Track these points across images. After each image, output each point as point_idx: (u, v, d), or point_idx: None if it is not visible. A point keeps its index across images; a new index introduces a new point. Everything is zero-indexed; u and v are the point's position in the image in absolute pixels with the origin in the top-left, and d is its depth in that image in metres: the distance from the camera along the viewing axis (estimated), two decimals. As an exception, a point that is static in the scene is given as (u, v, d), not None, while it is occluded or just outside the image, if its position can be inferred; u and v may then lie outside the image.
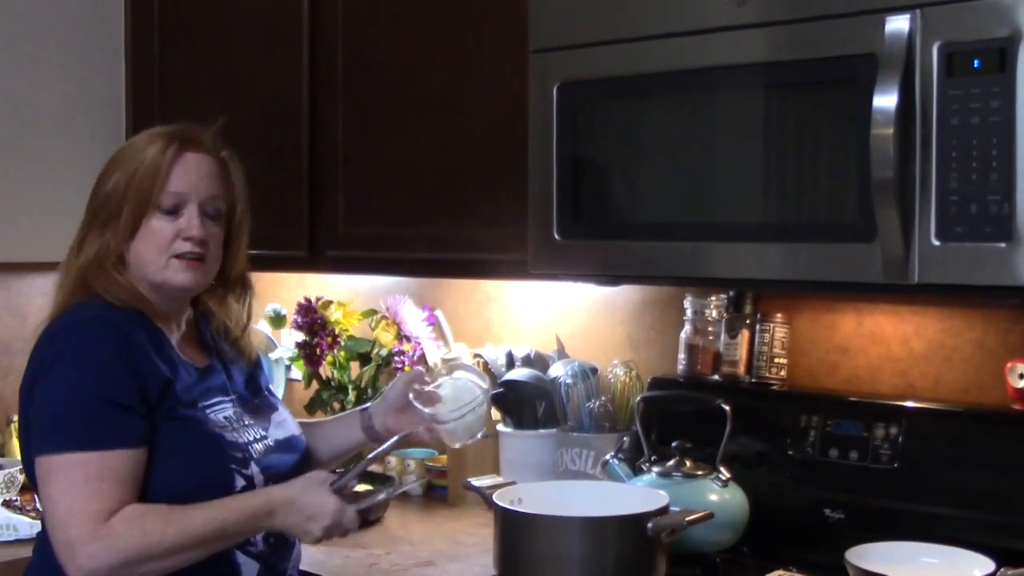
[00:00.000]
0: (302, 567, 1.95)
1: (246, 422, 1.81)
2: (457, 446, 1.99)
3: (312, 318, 2.70)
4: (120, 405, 1.66)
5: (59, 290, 1.79)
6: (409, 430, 1.89)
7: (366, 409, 2.00)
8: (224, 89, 2.76)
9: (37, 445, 1.67)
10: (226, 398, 1.82)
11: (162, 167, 1.76)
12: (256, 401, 1.89)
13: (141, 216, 1.76)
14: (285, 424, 1.90)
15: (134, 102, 2.99)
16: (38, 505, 2.44)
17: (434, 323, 2.72)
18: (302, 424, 2.00)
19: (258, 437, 1.81)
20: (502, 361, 2.55)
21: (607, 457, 2.20)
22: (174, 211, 1.76)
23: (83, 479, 1.62)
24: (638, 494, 1.99)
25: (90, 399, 1.66)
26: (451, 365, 2.08)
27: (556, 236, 2.03)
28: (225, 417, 1.78)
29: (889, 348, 2.17)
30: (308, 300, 2.74)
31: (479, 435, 1.92)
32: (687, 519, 1.86)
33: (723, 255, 1.86)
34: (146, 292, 1.78)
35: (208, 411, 1.77)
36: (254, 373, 1.95)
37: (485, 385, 1.92)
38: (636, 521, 1.84)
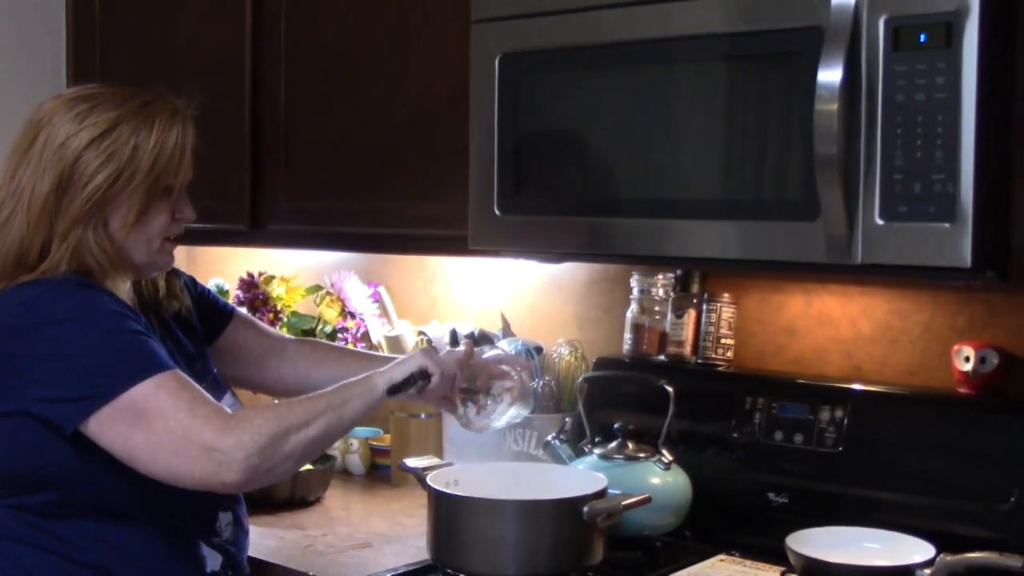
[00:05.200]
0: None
1: None
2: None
3: (254, 294, 2.64)
4: (147, 335, 1.60)
5: (54, 261, 1.61)
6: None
7: None
8: (165, 57, 2.68)
9: (85, 405, 1.52)
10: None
11: (186, 152, 1.68)
12: (207, 382, 1.79)
13: (154, 199, 1.66)
14: (235, 408, 1.80)
15: (74, 68, 2.91)
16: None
17: (378, 300, 2.67)
18: (324, 346, 2.04)
19: None
20: (446, 339, 2.50)
21: (549, 438, 2.16)
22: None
23: (171, 396, 1.53)
24: (577, 477, 1.95)
25: (123, 335, 1.57)
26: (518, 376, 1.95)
27: (496, 211, 1.98)
28: None
29: (837, 330, 2.14)
30: (250, 275, 2.69)
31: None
32: (623, 503, 1.82)
33: (665, 232, 1.81)
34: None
35: None
36: (202, 351, 1.86)
37: (528, 410, 1.92)
38: (571, 505, 1.80)
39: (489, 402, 1.87)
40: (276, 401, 1.69)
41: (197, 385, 1.60)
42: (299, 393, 2.02)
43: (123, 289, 1.69)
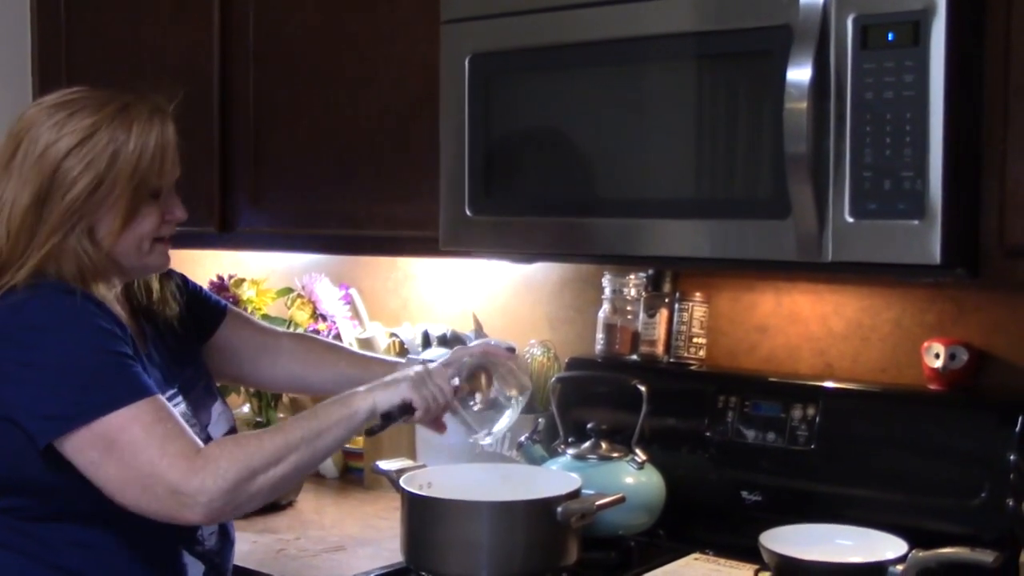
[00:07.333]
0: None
1: (192, 420, 1.70)
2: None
3: (224, 297, 2.62)
4: (132, 357, 1.57)
5: (22, 262, 1.58)
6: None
7: (424, 363, 1.86)
8: (132, 59, 2.66)
9: (61, 423, 1.50)
10: (173, 389, 1.70)
11: (168, 152, 1.64)
12: (198, 388, 1.78)
13: (141, 203, 1.62)
14: (224, 416, 1.81)
15: (40, 71, 2.88)
16: None
17: (350, 302, 2.66)
18: (320, 345, 2.00)
19: (203, 438, 1.69)
20: (418, 341, 2.49)
21: (522, 439, 2.16)
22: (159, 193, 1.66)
23: (144, 430, 1.50)
24: (550, 477, 1.95)
25: (106, 355, 1.54)
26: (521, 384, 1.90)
27: (468, 212, 1.97)
28: (180, 414, 1.64)
29: (808, 327, 2.15)
30: (221, 278, 2.67)
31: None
32: (597, 503, 1.82)
33: (637, 232, 1.81)
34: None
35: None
36: (194, 356, 1.83)
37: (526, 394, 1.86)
38: (545, 505, 1.80)
39: (490, 411, 1.83)
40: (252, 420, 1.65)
41: (174, 413, 1.57)
42: (292, 391, 2.07)
43: (111, 296, 1.65)
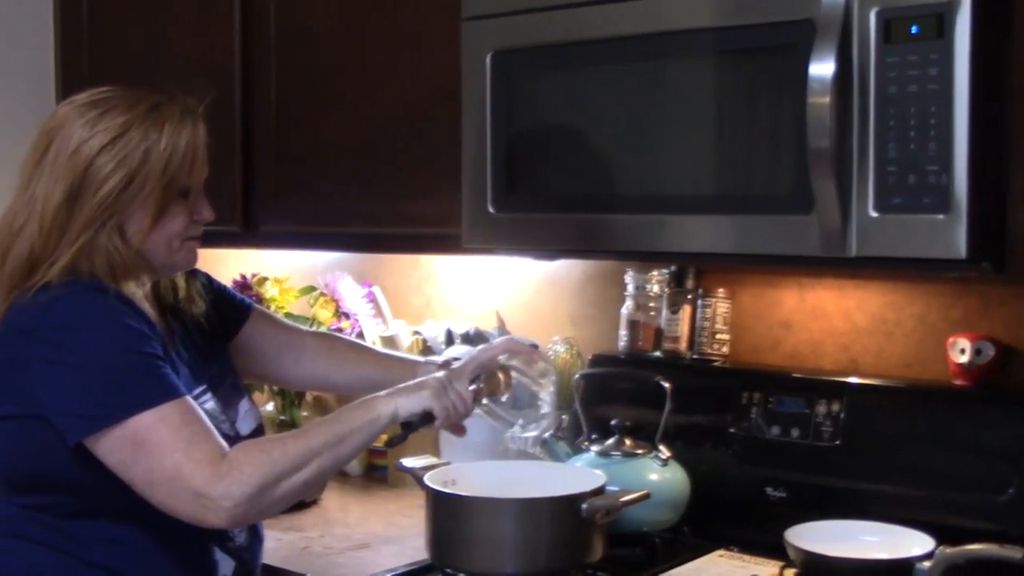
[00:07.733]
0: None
1: (221, 417, 1.72)
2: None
3: (247, 295, 2.63)
4: (162, 358, 1.58)
5: (54, 259, 1.60)
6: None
7: (447, 362, 1.88)
8: (155, 59, 2.67)
9: (89, 422, 1.52)
10: (202, 386, 1.71)
11: (198, 152, 1.66)
12: (226, 385, 1.79)
13: (170, 202, 1.64)
14: (251, 413, 1.81)
15: (64, 70, 2.90)
16: None
17: (373, 300, 2.67)
18: (343, 344, 2.00)
19: (232, 434, 1.71)
20: (442, 338, 2.49)
21: (546, 436, 2.15)
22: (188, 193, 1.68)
23: (171, 433, 1.52)
24: (575, 474, 1.95)
25: (136, 355, 1.55)
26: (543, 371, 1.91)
27: (491, 209, 1.97)
28: (209, 410, 1.66)
29: (832, 323, 2.14)
30: (244, 277, 2.68)
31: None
32: (622, 500, 1.82)
33: (660, 228, 1.81)
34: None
35: (199, 404, 1.65)
36: (221, 354, 1.84)
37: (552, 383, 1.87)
38: (570, 502, 1.79)
39: (518, 408, 1.84)
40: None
41: (202, 416, 1.58)
42: (315, 389, 2.11)
43: (141, 294, 1.66)
